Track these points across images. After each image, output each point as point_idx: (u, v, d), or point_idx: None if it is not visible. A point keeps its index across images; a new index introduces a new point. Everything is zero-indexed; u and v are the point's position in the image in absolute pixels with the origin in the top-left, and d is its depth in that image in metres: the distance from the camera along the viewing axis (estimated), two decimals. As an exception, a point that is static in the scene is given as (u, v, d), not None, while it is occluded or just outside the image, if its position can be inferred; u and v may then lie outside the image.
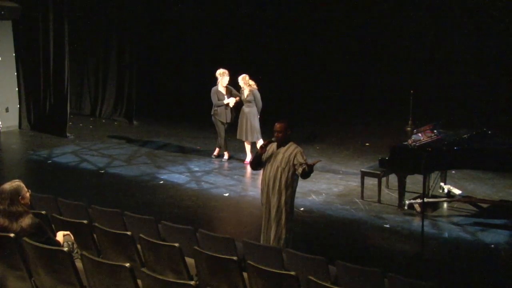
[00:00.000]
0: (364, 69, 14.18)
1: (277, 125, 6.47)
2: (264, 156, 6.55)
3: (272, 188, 6.42)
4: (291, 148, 6.40)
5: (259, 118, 10.89)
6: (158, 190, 9.59)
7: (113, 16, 15.25)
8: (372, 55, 14.04)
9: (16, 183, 5.09)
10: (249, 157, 10.82)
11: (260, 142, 10.38)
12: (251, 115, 10.79)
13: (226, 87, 10.98)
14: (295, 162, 6.32)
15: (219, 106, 10.95)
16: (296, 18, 14.73)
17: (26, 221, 4.91)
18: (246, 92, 10.78)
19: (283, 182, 6.37)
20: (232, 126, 11.30)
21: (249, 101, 10.77)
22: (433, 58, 13.41)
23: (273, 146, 6.54)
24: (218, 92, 10.96)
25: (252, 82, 10.81)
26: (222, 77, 10.92)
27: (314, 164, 6.32)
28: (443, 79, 13.27)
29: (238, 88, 10.95)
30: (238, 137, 11.02)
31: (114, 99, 15.57)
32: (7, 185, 5.05)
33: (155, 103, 16.05)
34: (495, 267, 6.88)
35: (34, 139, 13.43)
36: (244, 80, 10.76)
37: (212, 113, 11.08)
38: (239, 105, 11.03)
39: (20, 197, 4.99)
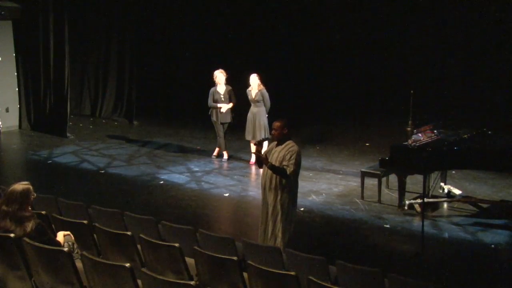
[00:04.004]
0: (364, 69, 14.18)
1: (274, 123, 6.46)
2: (264, 153, 6.54)
3: (269, 187, 6.39)
4: (287, 148, 6.32)
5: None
6: (158, 190, 9.59)
7: (113, 16, 15.26)
8: (372, 55, 14.04)
9: (26, 186, 5.01)
10: (254, 157, 10.72)
11: (266, 142, 10.25)
12: (260, 114, 10.66)
13: (227, 88, 10.95)
14: (284, 163, 6.26)
15: (211, 107, 10.96)
16: (297, 18, 14.73)
17: (30, 226, 4.87)
18: (254, 92, 10.68)
19: (278, 182, 6.32)
20: (233, 126, 11.30)
21: (257, 101, 10.65)
22: (433, 58, 13.42)
23: (274, 144, 6.53)
24: (215, 92, 10.96)
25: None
26: (217, 77, 10.92)
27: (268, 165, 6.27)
28: (443, 79, 13.27)
29: (244, 87, 10.85)
30: (246, 137, 10.89)
31: (114, 99, 15.59)
32: (18, 187, 4.96)
33: (155, 103, 16.06)
34: (495, 267, 6.87)
35: (34, 139, 13.44)
36: (258, 81, 10.59)
37: (209, 113, 11.11)
38: (244, 106, 10.95)
39: (27, 201, 4.94)
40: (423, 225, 7.15)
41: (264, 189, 6.48)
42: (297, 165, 6.28)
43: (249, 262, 4.63)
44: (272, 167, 6.27)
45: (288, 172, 6.21)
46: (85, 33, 15.49)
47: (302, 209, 8.45)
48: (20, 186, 5.00)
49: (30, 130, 14.22)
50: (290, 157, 6.23)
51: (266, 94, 10.71)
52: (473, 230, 7.85)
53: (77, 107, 15.91)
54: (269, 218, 6.43)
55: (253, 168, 10.72)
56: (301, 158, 6.43)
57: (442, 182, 9.24)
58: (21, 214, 4.89)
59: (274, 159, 6.33)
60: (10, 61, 14.09)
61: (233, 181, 10.08)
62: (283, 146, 6.36)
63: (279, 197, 6.35)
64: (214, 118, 11.04)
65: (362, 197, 8.98)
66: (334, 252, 6.92)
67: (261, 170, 6.69)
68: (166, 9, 15.64)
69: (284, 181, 6.30)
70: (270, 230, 6.43)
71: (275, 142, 6.49)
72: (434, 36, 13.34)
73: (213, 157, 11.40)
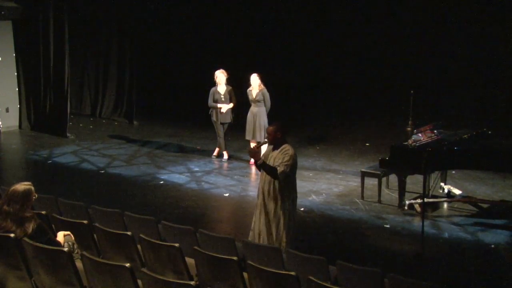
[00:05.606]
0: (364, 69, 14.18)
1: (268, 128, 6.45)
2: (263, 158, 6.52)
3: (267, 193, 6.34)
4: (282, 151, 6.27)
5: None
6: (158, 190, 9.59)
7: (113, 16, 15.26)
8: (372, 55, 14.04)
9: (28, 186, 5.00)
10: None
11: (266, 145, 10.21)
12: (260, 114, 10.62)
13: (228, 88, 10.94)
14: (276, 164, 6.19)
15: (211, 107, 10.97)
16: (296, 18, 14.73)
17: (31, 226, 4.86)
18: (255, 91, 10.65)
19: (276, 187, 6.28)
20: (233, 126, 11.30)
21: (258, 101, 10.62)
22: (433, 57, 13.41)
23: (270, 148, 6.50)
24: (216, 92, 10.96)
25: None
26: (217, 77, 10.93)
27: (258, 162, 6.27)
28: (443, 79, 13.27)
29: (245, 87, 10.85)
30: (246, 137, 10.85)
31: (114, 99, 15.59)
32: (20, 187, 4.95)
33: (155, 103, 16.05)
34: (495, 267, 6.87)
35: (34, 139, 13.44)
36: (258, 81, 10.56)
37: (209, 112, 11.11)
38: (244, 106, 10.95)
39: (28, 202, 4.94)
40: (423, 225, 7.15)
41: (262, 195, 6.44)
42: (290, 167, 6.20)
43: (249, 262, 4.63)
44: (263, 165, 6.22)
45: (278, 172, 6.16)
46: (85, 33, 15.49)
47: (302, 209, 8.45)
48: (22, 186, 4.99)
49: (30, 130, 14.22)
50: (283, 158, 6.19)
51: (267, 94, 10.69)
52: (473, 230, 7.85)
53: (77, 107, 15.91)
54: (271, 225, 6.36)
55: (253, 168, 10.71)
56: (300, 159, 6.41)
57: (442, 182, 9.25)
58: (22, 215, 4.88)
59: (270, 164, 6.29)
60: (10, 61, 14.08)
61: (233, 181, 10.08)
62: (279, 150, 6.31)
63: (279, 203, 6.30)
64: (214, 118, 11.05)
65: (362, 197, 8.98)
66: (334, 252, 6.93)
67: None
68: (166, 9, 15.64)
69: (283, 185, 6.26)
70: (274, 237, 6.37)
71: (272, 147, 6.46)
72: (435, 36, 13.33)
73: (213, 157, 11.40)
